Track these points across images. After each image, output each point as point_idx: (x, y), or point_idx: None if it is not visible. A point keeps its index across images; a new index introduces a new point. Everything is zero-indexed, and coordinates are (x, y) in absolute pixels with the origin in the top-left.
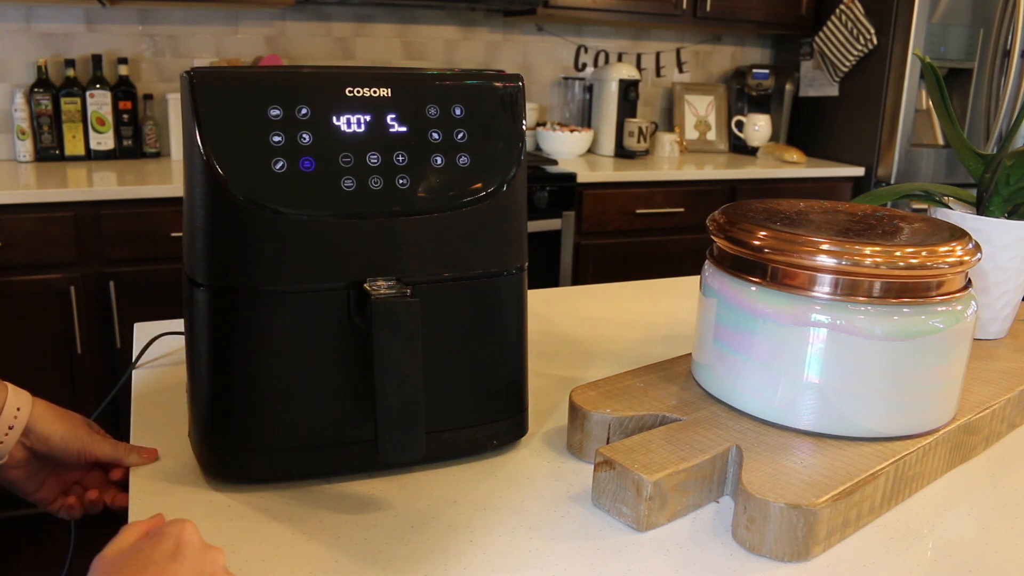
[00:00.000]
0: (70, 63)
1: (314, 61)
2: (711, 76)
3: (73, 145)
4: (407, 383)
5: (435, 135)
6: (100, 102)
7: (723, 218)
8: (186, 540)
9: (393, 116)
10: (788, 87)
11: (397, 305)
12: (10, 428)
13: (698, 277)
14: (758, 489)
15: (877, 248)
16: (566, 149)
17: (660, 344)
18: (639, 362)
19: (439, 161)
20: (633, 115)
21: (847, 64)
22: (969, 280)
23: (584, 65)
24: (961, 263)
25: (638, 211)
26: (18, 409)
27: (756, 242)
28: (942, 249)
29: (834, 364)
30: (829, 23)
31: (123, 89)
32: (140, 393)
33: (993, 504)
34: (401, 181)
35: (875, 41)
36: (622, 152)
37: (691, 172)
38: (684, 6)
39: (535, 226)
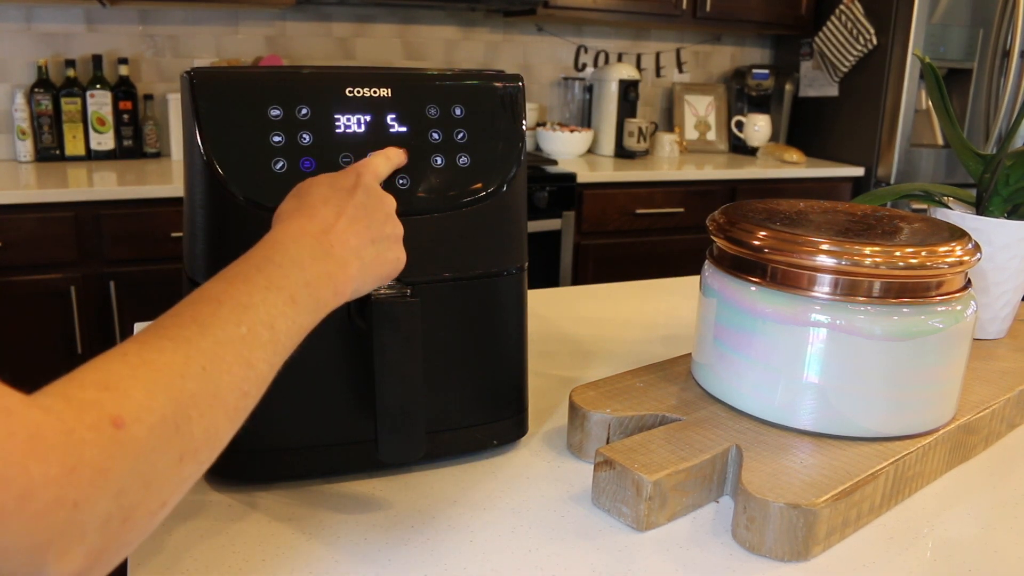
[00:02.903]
0: (70, 63)
1: (314, 61)
2: (711, 76)
3: (73, 145)
4: (407, 383)
5: (435, 135)
6: (100, 102)
7: (723, 218)
8: (365, 180)
9: (393, 116)
10: (788, 87)
11: (397, 305)
12: None
13: (698, 277)
14: (758, 489)
15: (877, 248)
16: (566, 149)
17: (660, 344)
18: (639, 362)
19: (439, 161)
20: (633, 115)
21: (847, 64)
22: (969, 280)
23: (584, 65)
24: (961, 263)
25: (638, 211)
26: None
27: (756, 242)
28: (942, 249)
29: (834, 364)
30: (829, 23)
31: (123, 89)
32: None
33: (993, 504)
34: (401, 181)
35: (875, 41)
36: (622, 152)
37: (691, 172)
38: (684, 6)
39: (535, 226)
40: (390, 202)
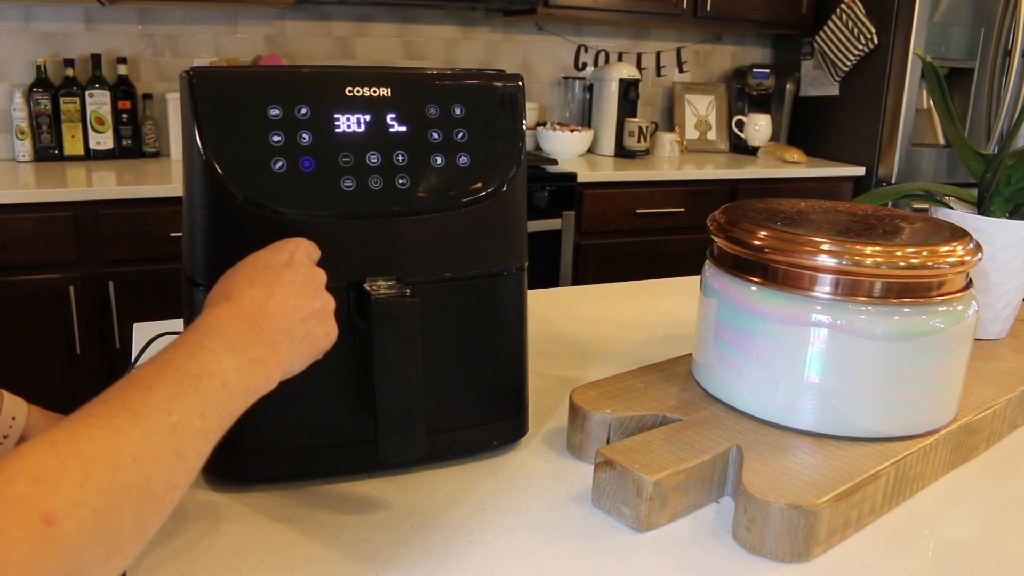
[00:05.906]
0: (69, 63)
1: (314, 61)
2: (711, 76)
3: (72, 145)
4: (407, 383)
5: (435, 135)
6: (99, 102)
7: (723, 218)
8: (297, 257)
9: (393, 116)
10: (789, 87)
11: (397, 305)
12: (4, 438)
13: (698, 277)
14: (758, 489)
15: (878, 248)
16: (566, 149)
17: (660, 344)
18: (639, 362)
19: (439, 161)
20: (633, 115)
21: (848, 64)
22: (970, 280)
23: (584, 65)
24: (962, 263)
25: (638, 211)
26: (13, 418)
27: (756, 242)
28: (943, 249)
29: (835, 364)
30: (830, 22)
31: (122, 89)
32: None
33: (994, 504)
34: (401, 181)
35: (876, 40)
36: (622, 152)
37: (691, 172)
38: (684, 5)
39: (535, 226)
40: (320, 276)
